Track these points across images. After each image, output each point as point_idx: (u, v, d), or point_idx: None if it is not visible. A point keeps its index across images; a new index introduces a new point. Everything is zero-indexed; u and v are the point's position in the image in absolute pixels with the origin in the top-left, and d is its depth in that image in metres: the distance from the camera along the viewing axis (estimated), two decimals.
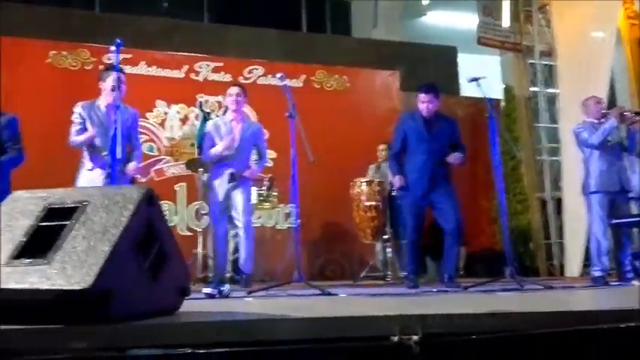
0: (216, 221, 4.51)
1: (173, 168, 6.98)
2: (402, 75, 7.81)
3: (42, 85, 6.48)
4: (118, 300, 1.98)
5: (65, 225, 2.11)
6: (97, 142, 4.16)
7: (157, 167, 6.92)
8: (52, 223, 2.14)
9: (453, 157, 4.56)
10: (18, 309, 1.94)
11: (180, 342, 2.01)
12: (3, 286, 1.93)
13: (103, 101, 4.23)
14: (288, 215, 6.82)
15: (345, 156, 6.93)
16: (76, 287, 1.87)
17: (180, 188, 6.87)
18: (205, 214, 6.48)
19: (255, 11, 9.66)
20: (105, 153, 4.09)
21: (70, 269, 1.94)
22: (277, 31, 8.89)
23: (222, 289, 3.92)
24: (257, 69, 7.36)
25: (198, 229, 6.19)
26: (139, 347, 1.95)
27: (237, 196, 4.51)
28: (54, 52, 6.74)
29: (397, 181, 4.66)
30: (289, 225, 6.74)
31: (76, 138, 4.21)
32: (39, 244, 2.07)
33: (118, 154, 3.82)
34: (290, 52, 8.28)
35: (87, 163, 4.19)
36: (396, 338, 2.14)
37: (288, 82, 6.03)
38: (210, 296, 3.74)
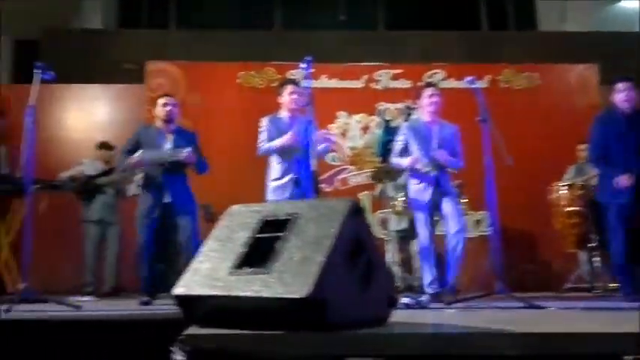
0: (422, 229, 4.27)
1: (356, 177, 7.08)
2: (601, 68, 7.14)
3: (232, 103, 6.93)
4: (333, 309, 2.01)
5: (280, 236, 2.19)
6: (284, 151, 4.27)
7: (340, 177, 7.06)
8: (268, 235, 2.24)
9: None
10: (243, 315, 2.04)
11: (394, 353, 1.98)
12: (229, 294, 2.05)
13: (285, 114, 4.39)
14: (478, 223, 6.55)
15: (540, 158, 6.49)
16: (296, 295, 1.92)
17: (365, 197, 6.93)
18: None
19: (431, 14, 9.53)
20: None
21: (288, 278, 2.01)
22: (457, 32, 8.67)
23: (420, 299, 3.85)
24: (438, 73, 7.20)
25: (386, 238, 6.17)
26: (355, 356, 1.96)
27: (446, 202, 4.23)
28: (242, 72, 7.20)
29: (626, 179, 4.13)
30: (480, 233, 6.46)
31: (268, 144, 4.29)
32: (257, 254, 2.18)
33: (313, 166, 3.93)
34: (472, 53, 8.03)
35: (273, 173, 4.30)
36: (630, 358, 1.91)
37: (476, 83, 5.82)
38: (407, 306, 3.66)
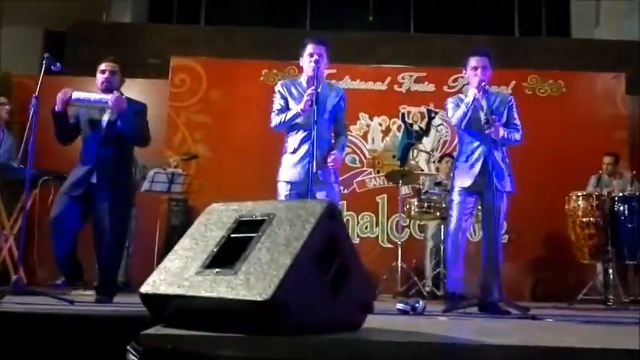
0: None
1: (375, 180, 7.03)
2: (629, 78, 6.91)
3: (254, 101, 6.87)
4: (297, 313, 1.97)
5: (253, 237, 2.16)
6: (300, 119, 3.80)
7: (359, 179, 7.03)
8: (242, 235, 2.21)
9: None
10: (206, 316, 2.02)
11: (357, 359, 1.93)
12: (193, 294, 2.03)
13: (304, 76, 3.95)
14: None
15: (561, 167, 6.38)
16: (257, 298, 1.89)
17: (382, 200, 6.88)
18: (406, 226, 6.42)
19: (464, 18, 9.38)
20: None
21: (253, 280, 1.97)
22: (487, 37, 8.53)
23: (416, 305, 3.76)
24: (462, 77, 7.08)
25: (399, 242, 6.12)
26: None
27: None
28: (266, 70, 7.23)
29: None
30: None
31: (277, 118, 3.84)
32: (228, 254, 2.15)
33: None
34: (501, 58, 7.83)
35: (289, 147, 3.86)
36: None
37: (495, 88, 5.71)
38: (402, 312, 3.61)
